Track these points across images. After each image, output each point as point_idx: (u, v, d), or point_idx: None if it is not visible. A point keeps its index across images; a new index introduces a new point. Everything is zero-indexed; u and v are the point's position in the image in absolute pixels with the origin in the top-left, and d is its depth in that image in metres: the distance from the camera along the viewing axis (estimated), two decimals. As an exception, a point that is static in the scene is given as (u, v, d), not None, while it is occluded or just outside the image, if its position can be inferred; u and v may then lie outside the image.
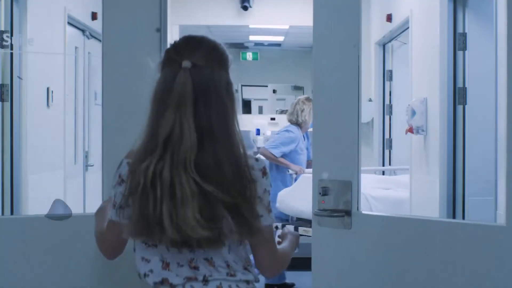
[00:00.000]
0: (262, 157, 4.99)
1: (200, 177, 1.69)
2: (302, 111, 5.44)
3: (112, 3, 2.51)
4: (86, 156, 5.37)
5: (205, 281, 1.76)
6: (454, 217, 4.16)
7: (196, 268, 1.76)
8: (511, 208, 2.10)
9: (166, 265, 1.77)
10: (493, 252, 2.14)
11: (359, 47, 2.38)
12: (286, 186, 5.39)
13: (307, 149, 5.52)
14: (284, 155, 5.42)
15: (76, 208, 5.09)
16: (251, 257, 1.86)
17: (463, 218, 4.13)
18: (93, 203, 5.46)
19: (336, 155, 2.39)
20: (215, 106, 1.74)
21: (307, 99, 5.48)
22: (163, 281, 1.77)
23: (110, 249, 1.92)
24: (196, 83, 1.74)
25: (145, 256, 1.80)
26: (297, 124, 5.48)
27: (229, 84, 1.80)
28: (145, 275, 1.80)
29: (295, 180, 5.40)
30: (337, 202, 2.37)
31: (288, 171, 5.46)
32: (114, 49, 2.50)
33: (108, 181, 2.37)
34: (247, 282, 1.81)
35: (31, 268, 2.45)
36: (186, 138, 1.69)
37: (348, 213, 2.35)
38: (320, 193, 2.38)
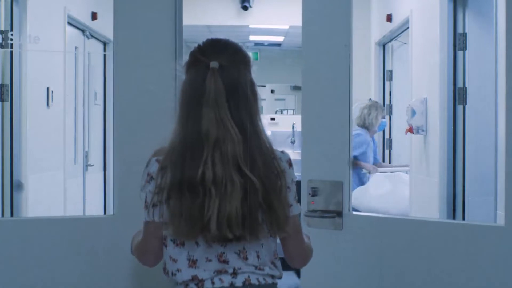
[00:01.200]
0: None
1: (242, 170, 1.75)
2: (369, 114, 5.54)
3: (124, 5, 2.45)
4: (86, 156, 5.37)
5: (234, 273, 1.81)
6: (454, 217, 4.15)
7: (225, 262, 1.80)
8: (509, 208, 2.10)
9: (193, 263, 1.81)
10: (491, 252, 2.14)
11: (350, 46, 2.36)
12: (362, 184, 5.47)
13: (374, 151, 5.62)
14: (355, 158, 5.47)
15: (76, 208, 5.09)
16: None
17: (463, 218, 4.12)
18: (93, 203, 5.48)
19: (326, 155, 2.36)
20: (243, 104, 1.82)
21: (374, 103, 5.61)
22: (193, 278, 1.81)
23: (151, 255, 1.90)
24: (225, 82, 1.80)
25: (172, 256, 1.83)
26: (365, 127, 5.56)
27: (252, 83, 1.87)
28: (172, 273, 1.83)
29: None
30: (328, 203, 2.35)
31: (362, 171, 5.52)
32: (126, 52, 2.44)
33: (120, 183, 2.38)
34: (273, 277, 1.86)
35: (30, 270, 2.43)
36: (232, 134, 1.76)
37: (339, 214, 2.33)
38: (310, 194, 2.35)
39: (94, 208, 5.52)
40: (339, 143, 2.35)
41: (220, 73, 1.81)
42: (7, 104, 4.15)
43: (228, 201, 1.73)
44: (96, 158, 5.60)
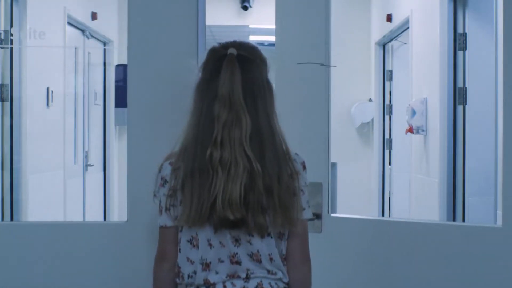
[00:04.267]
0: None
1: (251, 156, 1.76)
2: None
3: (138, 4, 2.35)
4: (86, 156, 5.37)
5: (247, 278, 1.80)
6: (454, 217, 4.15)
7: (238, 263, 1.80)
8: (507, 209, 2.10)
9: (206, 266, 1.80)
10: (489, 254, 2.13)
11: (329, 44, 2.30)
12: None
13: None
14: None
15: (76, 208, 5.09)
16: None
17: (463, 218, 4.12)
18: (93, 203, 5.48)
19: (305, 156, 2.28)
20: (259, 98, 1.82)
21: None
22: (204, 282, 1.80)
23: (167, 263, 1.86)
24: (242, 70, 1.80)
25: (190, 257, 1.83)
26: None
27: (269, 83, 1.87)
28: (189, 276, 1.82)
29: None
30: None
31: None
32: (141, 54, 2.34)
33: (133, 189, 2.32)
34: (284, 283, 1.85)
35: (40, 275, 2.39)
36: (241, 119, 1.76)
37: (318, 216, 2.28)
38: None
39: (94, 208, 5.52)
40: (318, 144, 2.30)
41: (238, 61, 1.81)
42: (7, 104, 4.15)
43: (232, 182, 1.74)
44: (96, 158, 5.60)
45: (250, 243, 1.79)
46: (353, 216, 2.45)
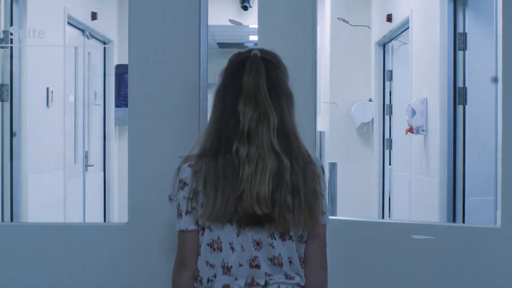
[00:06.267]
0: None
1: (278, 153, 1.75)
2: None
3: (139, 4, 2.35)
4: (86, 156, 5.37)
5: (266, 285, 1.78)
6: (454, 217, 4.15)
7: (257, 266, 1.78)
8: (506, 210, 2.10)
9: (227, 270, 1.78)
10: (488, 254, 2.13)
11: (315, 41, 2.30)
12: None
13: None
14: None
15: (76, 208, 5.09)
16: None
17: (463, 218, 4.12)
18: (93, 203, 5.47)
19: None
20: (283, 97, 1.80)
21: None
22: (223, 287, 1.78)
23: (186, 269, 1.82)
24: (267, 71, 1.79)
25: (209, 261, 1.80)
26: None
27: (290, 89, 1.85)
28: (208, 280, 1.80)
29: None
30: None
31: None
32: (141, 54, 2.34)
33: (134, 191, 2.32)
34: (301, 286, 1.84)
35: (42, 277, 2.40)
36: (269, 115, 1.74)
37: None
38: None
39: (94, 208, 5.52)
40: (306, 143, 2.30)
41: (262, 61, 1.80)
42: (7, 104, 4.15)
43: (260, 177, 1.72)
44: (96, 158, 5.60)
45: (272, 247, 1.78)
46: (337, 218, 2.44)
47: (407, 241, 2.24)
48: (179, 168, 1.82)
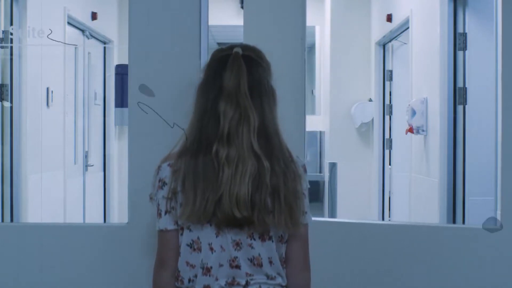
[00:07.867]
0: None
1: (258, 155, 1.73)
2: None
3: (139, 4, 2.34)
4: (86, 156, 5.37)
5: (246, 284, 1.77)
6: (454, 217, 4.15)
7: (237, 267, 1.77)
8: (505, 210, 2.10)
9: (207, 270, 1.77)
10: (488, 254, 2.13)
11: (304, 39, 2.29)
12: None
13: None
14: None
15: (75, 208, 5.09)
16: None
17: (463, 218, 4.12)
18: (93, 203, 5.47)
19: None
20: (265, 97, 1.79)
21: None
22: (204, 287, 1.77)
23: (166, 269, 1.81)
24: (248, 69, 1.77)
25: (190, 261, 1.79)
26: None
27: (272, 87, 1.83)
28: (189, 280, 1.79)
29: None
30: None
31: None
32: (141, 54, 2.34)
33: (134, 191, 2.32)
34: (283, 286, 1.83)
35: (43, 277, 2.40)
36: (250, 116, 1.73)
37: None
38: None
39: (94, 208, 5.52)
40: (294, 145, 2.29)
41: (244, 60, 1.78)
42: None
43: (239, 179, 1.71)
44: (96, 158, 5.60)
45: (252, 247, 1.77)
46: (325, 219, 2.44)
47: (406, 243, 2.24)
48: (159, 167, 1.82)
